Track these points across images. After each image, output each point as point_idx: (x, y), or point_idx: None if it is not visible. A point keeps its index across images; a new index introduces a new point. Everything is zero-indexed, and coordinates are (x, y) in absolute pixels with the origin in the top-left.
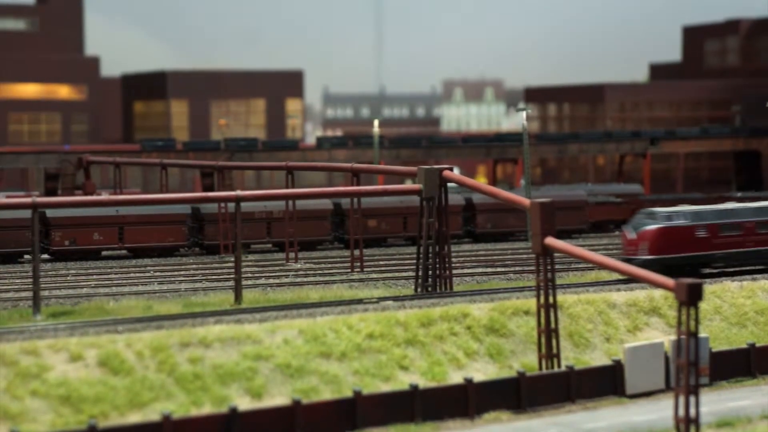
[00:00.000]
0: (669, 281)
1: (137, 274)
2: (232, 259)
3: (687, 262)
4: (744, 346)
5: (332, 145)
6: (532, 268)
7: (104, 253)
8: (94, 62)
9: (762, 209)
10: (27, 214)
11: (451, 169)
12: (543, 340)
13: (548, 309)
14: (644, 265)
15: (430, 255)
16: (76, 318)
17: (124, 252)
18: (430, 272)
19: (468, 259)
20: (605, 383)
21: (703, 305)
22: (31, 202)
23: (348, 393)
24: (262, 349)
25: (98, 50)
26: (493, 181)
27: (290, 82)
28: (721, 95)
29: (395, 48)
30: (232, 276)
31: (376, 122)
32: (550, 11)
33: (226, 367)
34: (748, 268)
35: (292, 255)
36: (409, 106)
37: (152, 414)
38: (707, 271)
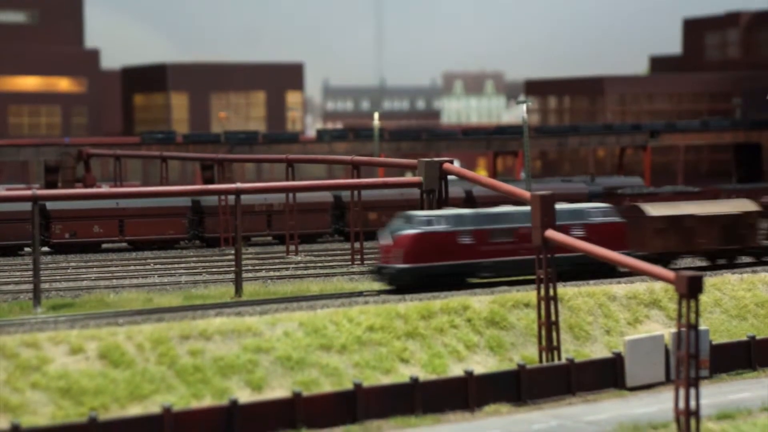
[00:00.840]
0: (669, 274)
1: (137, 267)
2: (233, 251)
3: (447, 272)
4: (744, 338)
5: (332, 137)
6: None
7: (104, 245)
8: (94, 55)
9: None
10: (27, 206)
11: (451, 162)
12: (543, 332)
13: (548, 301)
14: (398, 274)
15: None
16: (77, 310)
17: (124, 244)
18: None
19: None
20: (605, 376)
21: (704, 298)
22: (32, 195)
23: (348, 385)
24: (263, 341)
25: (98, 43)
26: (494, 174)
27: (290, 75)
28: (722, 88)
29: (395, 41)
30: (232, 268)
31: (376, 115)
32: (551, 4)
33: (226, 360)
34: (527, 277)
35: (292, 248)
36: (409, 99)
37: (153, 406)
38: (475, 281)
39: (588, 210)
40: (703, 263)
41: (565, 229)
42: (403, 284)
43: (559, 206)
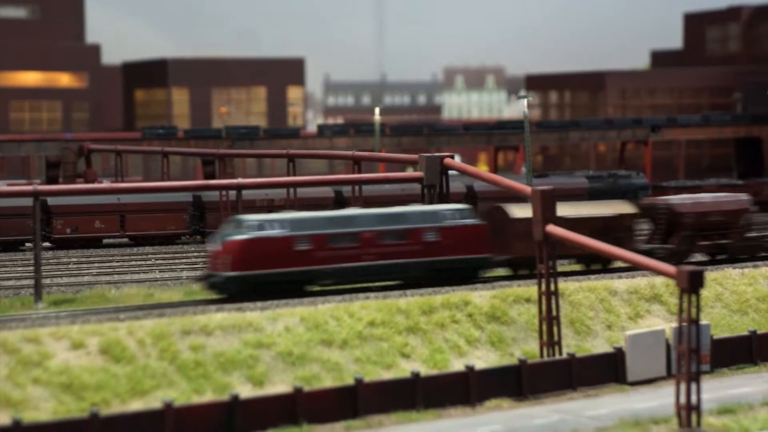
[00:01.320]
0: (670, 268)
1: (139, 262)
2: None
3: (281, 279)
4: (745, 333)
5: (333, 132)
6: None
7: (105, 241)
8: (95, 50)
9: (388, 216)
10: (28, 202)
11: (452, 157)
12: (544, 327)
13: (549, 296)
14: (225, 282)
15: None
16: (78, 306)
17: (125, 240)
18: None
19: None
20: (606, 370)
21: (705, 292)
22: (33, 190)
23: (349, 381)
24: (264, 336)
25: (99, 38)
26: (495, 169)
27: (291, 70)
28: (723, 82)
29: (396, 35)
30: None
31: (377, 110)
32: None
33: (227, 355)
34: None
35: None
36: (410, 94)
37: (154, 401)
38: (316, 288)
39: (443, 212)
40: (577, 267)
41: (416, 233)
42: (231, 293)
43: (412, 208)
